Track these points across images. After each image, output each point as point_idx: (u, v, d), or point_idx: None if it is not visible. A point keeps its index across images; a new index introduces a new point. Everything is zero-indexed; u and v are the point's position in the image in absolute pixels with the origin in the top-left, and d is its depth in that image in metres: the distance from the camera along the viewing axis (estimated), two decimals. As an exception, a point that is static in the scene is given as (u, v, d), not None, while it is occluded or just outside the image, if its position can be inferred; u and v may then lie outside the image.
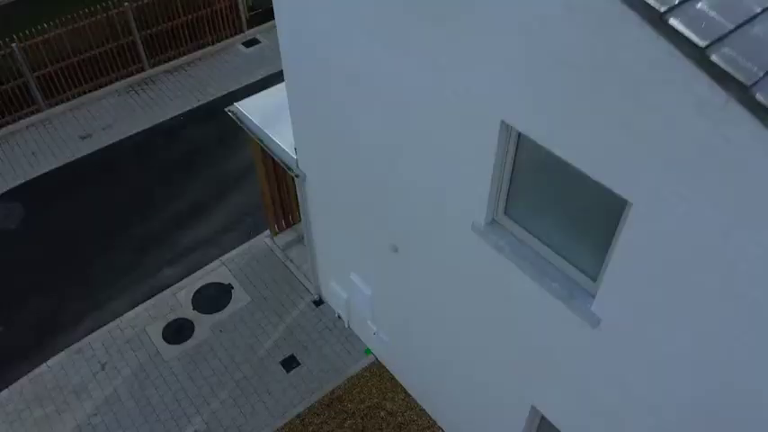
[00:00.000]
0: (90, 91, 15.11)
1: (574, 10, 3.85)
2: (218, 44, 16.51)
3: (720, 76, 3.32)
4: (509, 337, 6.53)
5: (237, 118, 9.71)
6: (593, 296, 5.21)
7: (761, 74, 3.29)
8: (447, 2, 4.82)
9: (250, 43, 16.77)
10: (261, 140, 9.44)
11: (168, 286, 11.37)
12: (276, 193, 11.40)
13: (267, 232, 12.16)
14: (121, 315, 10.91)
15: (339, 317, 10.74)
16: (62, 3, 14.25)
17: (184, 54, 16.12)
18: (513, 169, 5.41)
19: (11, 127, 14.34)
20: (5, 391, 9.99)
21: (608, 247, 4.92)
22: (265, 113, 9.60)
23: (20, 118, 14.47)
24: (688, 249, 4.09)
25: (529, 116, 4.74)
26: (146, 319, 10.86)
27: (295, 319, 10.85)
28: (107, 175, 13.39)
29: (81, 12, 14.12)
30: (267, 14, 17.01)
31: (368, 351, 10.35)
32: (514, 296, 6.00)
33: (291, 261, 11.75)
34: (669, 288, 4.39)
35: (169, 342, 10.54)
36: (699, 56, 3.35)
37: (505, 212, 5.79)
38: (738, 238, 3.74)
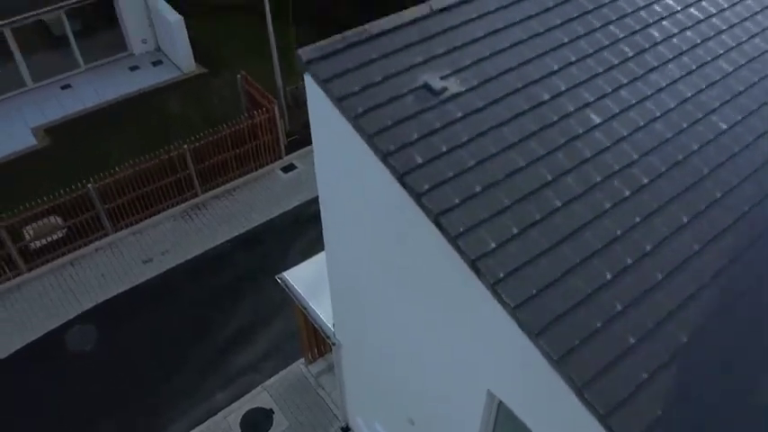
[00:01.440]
0: (150, 216, 17.47)
1: (530, 366, 5.93)
2: (260, 170, 18.86)
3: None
4: None
5: (286, 286, 11.87)
6: None
7: None
8: (453, 299, 6.90)
9: (287, 169, 19.09)
10: (305, 308, 11.57)
11: (220, 410, 13.47)
12: (312, 332, 13.51)
13: (302, 360, 14.26)
14: (182, 438, 13.05)
15: (364, 445, 12.75)
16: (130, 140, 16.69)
17: (231, 180, 18.48)
18: (497, 411, 7.44)
19: (82, 251, 16.69)
20: (87, 506, 12.10)
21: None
22: (309, 284, 11.72)
23: (89, 242, 16.83)
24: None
25: (507, 393, 6.80)
26: (202, 442, 12.97)
27: (326, 445, 12.90)
28: (166, 298, 15.63)
29: (147, 155, 16.56)
30: (303, 141, 19.35)
31: (388, 478, 12.31)
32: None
33: (323, 388, 13.82)
34: None
35: (222, 464, 12.62)
36: (602, 421, 5.39)
37: (494, 432, 7.82)
38: None
